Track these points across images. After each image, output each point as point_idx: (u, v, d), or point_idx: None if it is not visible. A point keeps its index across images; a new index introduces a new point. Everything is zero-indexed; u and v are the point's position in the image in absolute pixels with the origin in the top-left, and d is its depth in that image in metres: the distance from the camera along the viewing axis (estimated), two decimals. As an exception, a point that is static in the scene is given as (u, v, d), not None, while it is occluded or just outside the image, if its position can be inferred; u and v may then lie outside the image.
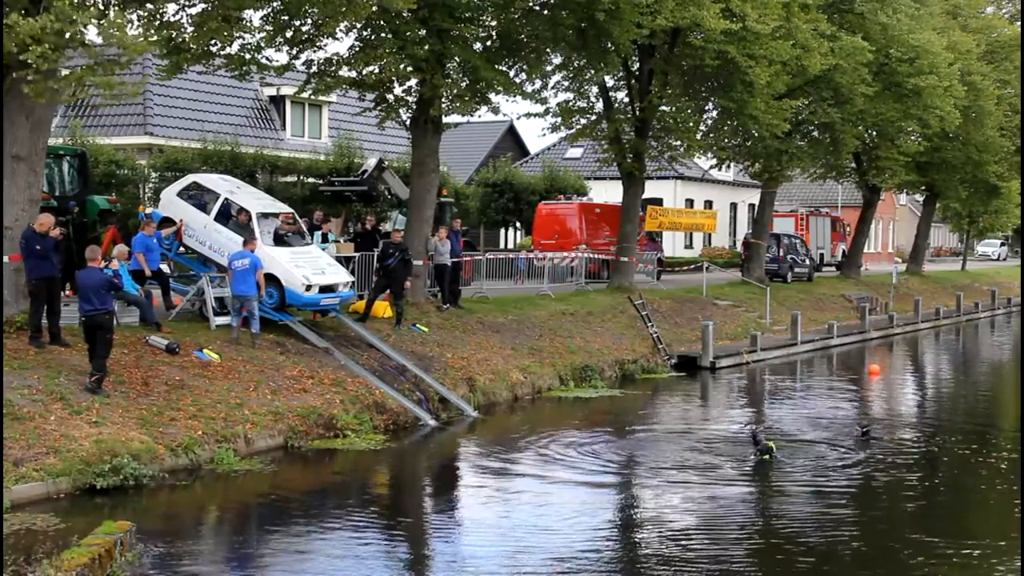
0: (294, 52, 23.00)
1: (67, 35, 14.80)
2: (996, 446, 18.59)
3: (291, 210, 22.17)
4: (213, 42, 20.18)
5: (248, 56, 21.78)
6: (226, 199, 20.80)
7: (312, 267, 20.49)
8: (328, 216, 29.00)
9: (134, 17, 17.99)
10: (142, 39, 16.35)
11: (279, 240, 20.89)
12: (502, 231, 44.93)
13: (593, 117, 32.37)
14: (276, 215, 21.38)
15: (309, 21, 22.20)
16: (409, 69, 22.60)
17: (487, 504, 14.68)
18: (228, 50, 21.31)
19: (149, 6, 18.10)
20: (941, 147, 44.01)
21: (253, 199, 21.43)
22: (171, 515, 13.56)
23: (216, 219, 20.51)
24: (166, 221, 20.80)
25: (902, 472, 16.37)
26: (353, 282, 21.71)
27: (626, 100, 32.36)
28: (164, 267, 20.96)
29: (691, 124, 32.98)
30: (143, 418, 15.30)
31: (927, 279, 51.43)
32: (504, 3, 23.33)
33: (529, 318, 25.93)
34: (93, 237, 21.10)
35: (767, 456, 16.13)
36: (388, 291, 22.60)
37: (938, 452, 17.90)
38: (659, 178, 45.52)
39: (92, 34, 16.00)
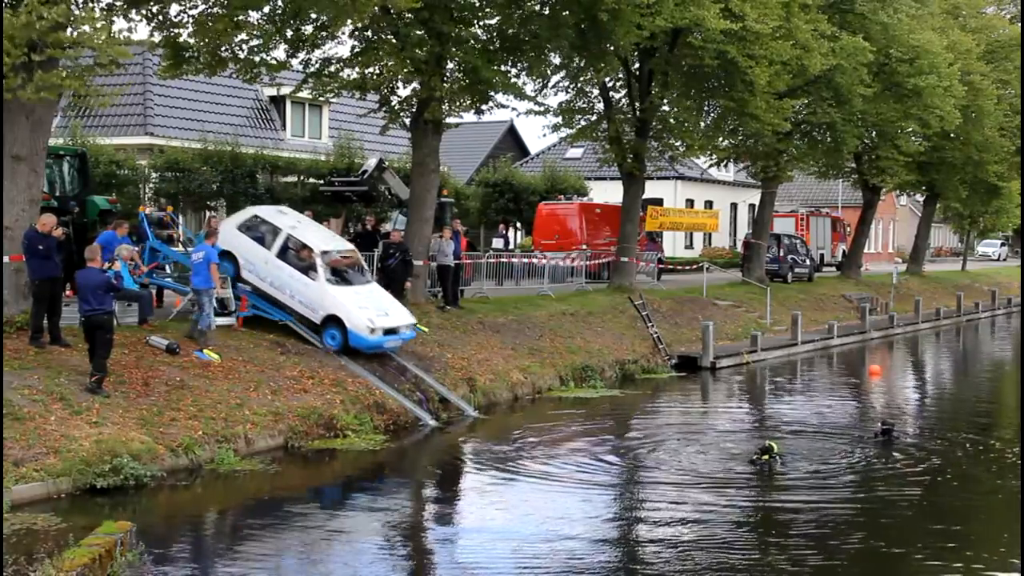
0: (293, 52, 23.01)
1: (37, 30, 14.72)
2: (997, 445, 18.58)
3: (353, 247, 21.53)
4: (222, 48, 20.13)
5: (257, 59, 21.75)
6: (288, 235, 20.14)
7: (376, 308, 19.95)
8: (326, 217, 29.04)
9: (137, 17, 18.02)
10: (125, 41, 16.27)
11: (338, 276, 20.24)
12: (506, 231, 44.90)
13: (593, 117, 32.39)
14: (341, 253, 20.64)
15: (310, 22, 22.22)
16: (408, 71, 22.60)
17: (487, 504, 14.67)
18: (237, 54, 21.25)
19: (154, 7, 18.10)
20: (941, 147, 44.00)
21: (315, 235, 20.74)
22: (171, 515, 13.57)
23: (278, 255, 20.01)
24: (224, 255, 20.04)
25: (904, 472, 16.37)
26: (415, 324, 20.93)
27: (626, 100, 32.37)
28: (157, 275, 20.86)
29: (691, 124, 32.99)
30: (143, 418, 15.30)
31: (927, 279, 51.42)
32: (505, 3, 23.34)
33: (529, 318, 25.93)
34: (93, 237, 21.09)
35: (767, 455, 16.13)
36: (388, 291, 22.57)
37: (940, 451, 17.87)
38: (659, 178, 45.50)
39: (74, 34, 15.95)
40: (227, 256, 20.22)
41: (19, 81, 15.25)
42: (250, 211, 21.52)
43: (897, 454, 17.39)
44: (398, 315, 20.35)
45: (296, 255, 20.18)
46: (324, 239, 20.82)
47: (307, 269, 19.87)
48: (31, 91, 15.34)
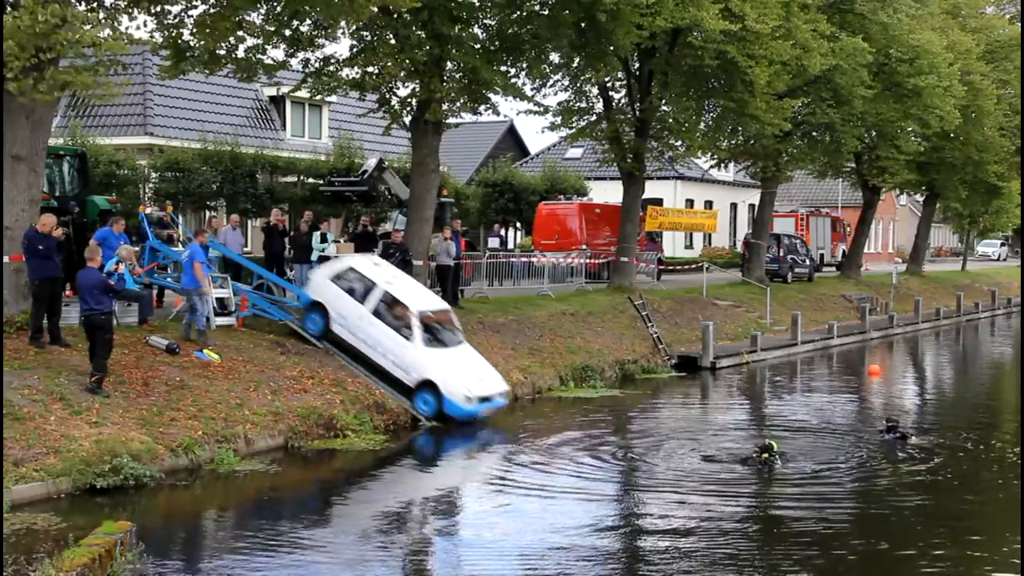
0: (292, 51, 23.00)
1: (37, 32, 14.74)
2: (998, 445, 18.58)
3: (447, 307, 20.70)
4: (219, 45, 20.11)
5: (255, 59, 21.74)
6: (385, 291, 19.37)
7: (473, 374, 19.25)
8: (325, 217, 28.97)
9: (141, 16, 18.03)
10: (124, 39, 16.27)
11: (432, 335, 19.41)
12: (502, 231, 44.98)
13: (593, 117, 32.39)
14: (437, 312, 19.84)
15: (309, 21, 22.22)
16: (404, 72, 22.59)
17: (488, 506, 14.67)
18: (235, 54, 21.23)
19: (155, 8, 18.10)
20: (941, 147, 44.01)
21: (411, 292, 19.91)
22: (171, 515, 13.58)
23: (373, 312, 19.26)
24: (315, 305, 19.69)
25: (905, 471, 16.36)
26: (507, 391, 20.11)
27: (626, 100, 32.38)
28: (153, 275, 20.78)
29: (691, 124, 33.01)
30: (143, 418, 15.30)
31: (927, 279, 51.43)
32: (504, 3, 23.33)
33: (529, 318, 25.93)
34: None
35: (766, 454, 16.14)
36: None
37: (940, 451, 17.86)
38: (659, 178, 45.51)
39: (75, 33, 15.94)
40: (318, 307, 19.76)
41: (31, 82, 15.27)
42: (344, 262, 20.62)
43: (898, 454, 17.38)
44: (492, 381, 19.58)
45: (391, 312, 19.32)
46: (419, 297, 19.96)
47: (402, 328, 19.05)
48: (45, 89, 15.36)
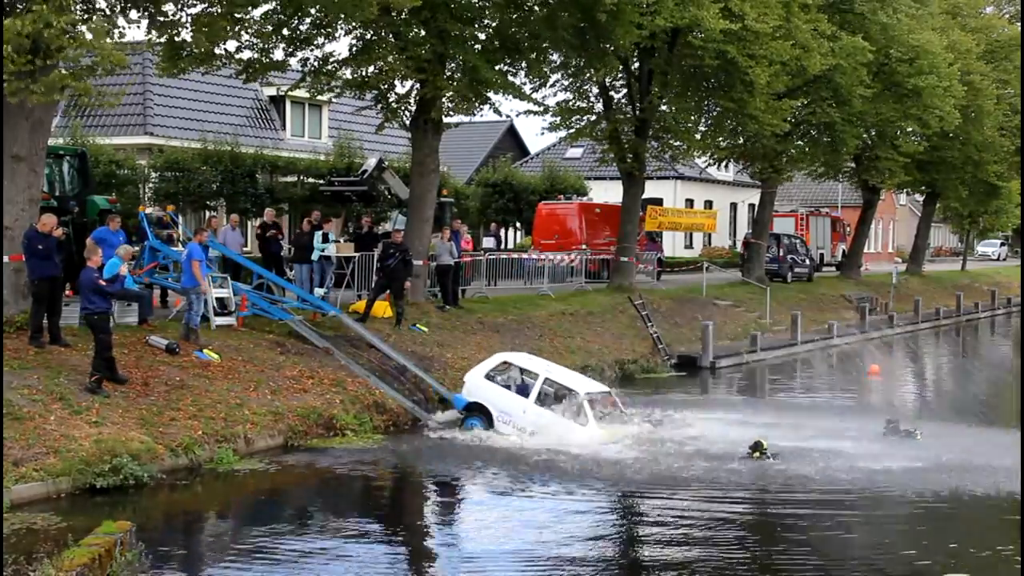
0: (291, 50, 23.01)
1: (44, 37, 14.76)
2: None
3: (608, 389, 19.59)
4: (217, 44, 20.11)
5: (255, 58, 21.72)
6: (547, 379, 18.49)
7: None
8: (328, 217, 29.02)
9: (135, 15, 18.03)
10: (123, 43, 16.32)
11: (601, 416, 18.39)
12: (502, 231, 45.01)
13: (593, 117, 32.39)
14: (601, 394, 18.86)
15: (308, 20, 22.23)
16: (407, 70, 22.61)
17: (486, 503, 14.69)
18: (237, 54, 21.21)
19: (151, 8, 18.12)
20: (941, 147, 44.04)
21: (574, 378, 19.05)
22: (171, 515, 13.58)
23: (537, 402, 18.28)
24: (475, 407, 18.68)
25: (904, 470, 16.35)
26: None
27: (626, 100, 32.38)
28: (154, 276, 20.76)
29: (691, 124, 33.02)
30: (143, 418, 15.31)
31: (927, 279, 51.43)
32: (505, 3, 23.34)
33: (529, 318, 25.94)
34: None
35: (757, 452, 16.12)
36: (388, 291, 22.59)
37: (940, 450, 17.84)
38: (659, 178, 45.54)
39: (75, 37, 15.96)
40: (479, 409, 18.66)
41: (23, 84, 15.28)
42: (498, 357, 19.82)
43: (898, 452, 17.37)
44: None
45: (556, 400, 18.43)
46: (583, 381, 19.13)
47: (573, 416, 18.07)
48: (43, 91, 15.36)
